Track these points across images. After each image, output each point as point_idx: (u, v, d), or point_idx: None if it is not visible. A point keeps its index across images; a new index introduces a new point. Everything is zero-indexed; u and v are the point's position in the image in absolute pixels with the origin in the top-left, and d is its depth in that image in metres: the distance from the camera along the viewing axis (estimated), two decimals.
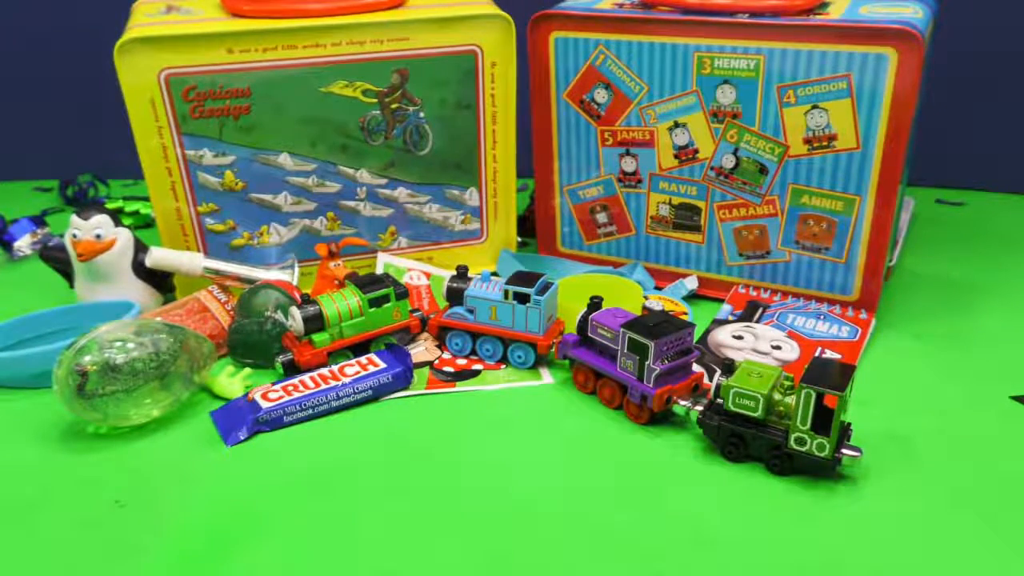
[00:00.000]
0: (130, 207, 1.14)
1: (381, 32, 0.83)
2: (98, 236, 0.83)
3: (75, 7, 1.21)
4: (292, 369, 0.77)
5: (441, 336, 0.82)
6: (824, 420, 0.61)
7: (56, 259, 0.88)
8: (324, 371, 0.75)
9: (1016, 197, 1.17)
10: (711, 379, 0.75)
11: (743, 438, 0.65)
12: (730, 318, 0.85)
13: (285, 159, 0.87)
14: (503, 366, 0.80)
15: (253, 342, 0.79)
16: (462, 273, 0.81)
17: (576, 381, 0.76)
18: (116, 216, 0.85)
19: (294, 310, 0.76)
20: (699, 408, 0.67)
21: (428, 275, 0.93)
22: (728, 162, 0.85)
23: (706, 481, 0.64)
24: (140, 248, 0.86)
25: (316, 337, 0.77)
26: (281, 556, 0.57)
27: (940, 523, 0.59)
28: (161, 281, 0.88)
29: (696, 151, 0.86)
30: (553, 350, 0.78)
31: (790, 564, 0.56)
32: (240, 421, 0.70)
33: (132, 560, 0.57)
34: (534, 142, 0.94)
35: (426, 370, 0.79)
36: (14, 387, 0.77)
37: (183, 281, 0.89)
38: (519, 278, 0.78)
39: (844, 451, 0.62)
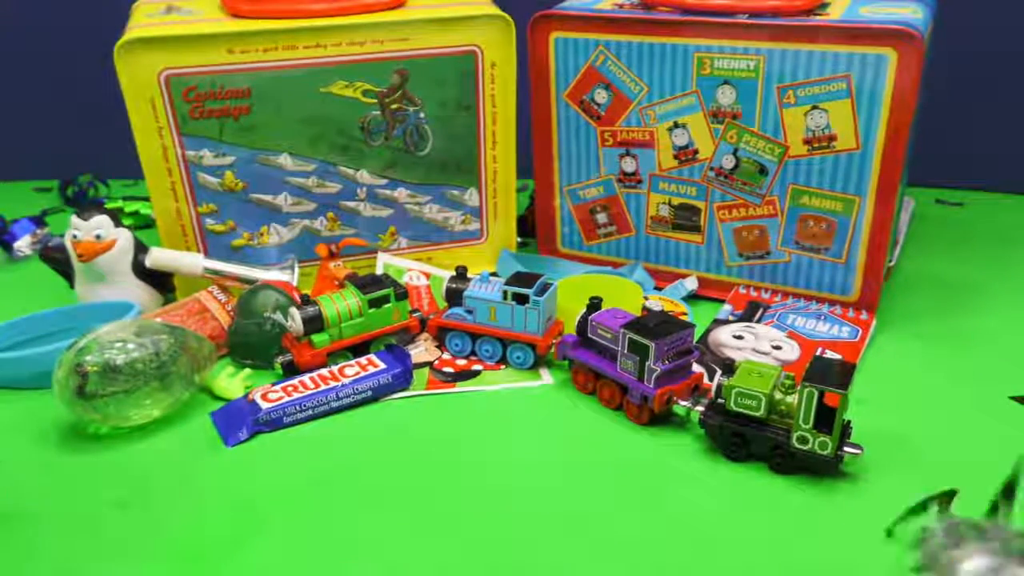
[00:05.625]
0: (130, 207, 1.14)
1: (381, 32, 0.83)
2: (98, 236, 0.83)
3: (75, 7, 1.21)
4: (292, 370, 0.77)
5: (440, 337, 0.82)
6: (825, 418, 0.61)
7: (56, 259, 0.88)
8: (324, 372, 0.75)
9: (1016, 197, 1.17)
10: (711, 379, 0.75)
11: (745, 437, 0.65)
12: (730, 318, 0.85)
13: (285, 159, 0.87)
14: (503, 367, 0.80)
15: (253, 343, 0.79)
16: (461, 274, 0.81)
17: (576, 382, 0.76)
18: (116, 216, 0.85)
19: (294, 311, 0.76)
20: (699, 408, 0.67)
21: (428, 275, 0.93)
22: (728, 162, 0.85)
23: (707, 481, 0.64)
24: (140, 248, 0.86)
25: (316, 338, 0.77)
26: (281, 556, 0.57)
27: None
28: (161, 281, 0.88)
29: (696, 151, 0.86)
30: (552, 351, 0.78)
31: (793, 563, 0.56)
32: (240, 422, 0.71)
33: (132, 560, 0.57)
34: (534, 142, 0.94)
35: (426, 370, 0.79)
36: (14, 387, 0.77)
37: (183, 282, 0.88)
38: (518, 279, 0.78)
39: (846, 449, 0.62)
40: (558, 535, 0.59)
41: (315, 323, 0.76)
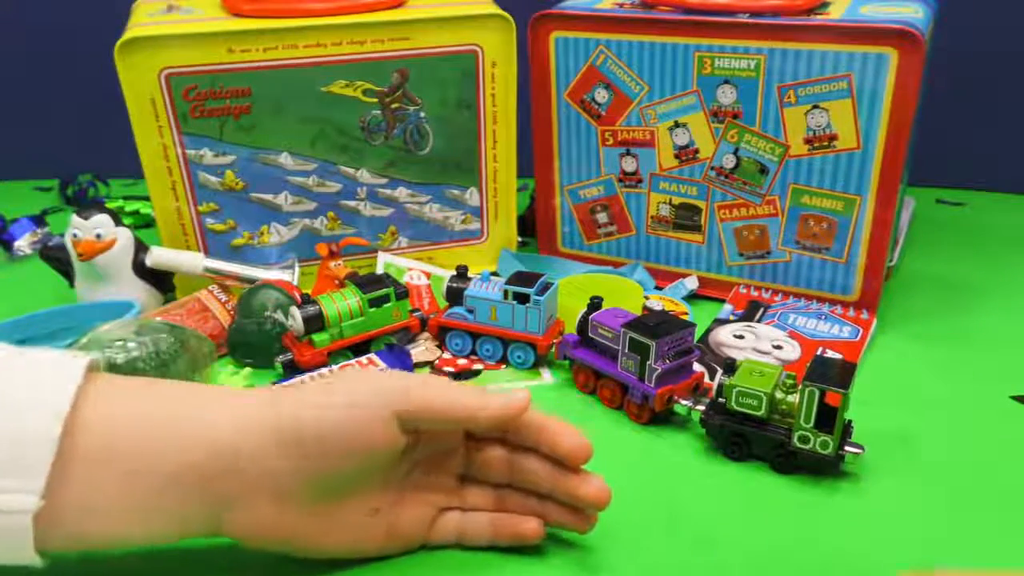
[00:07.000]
0: (130, 207, 1.14)
1: (382, 32, 0.83)
2: (98, 236, 0.83)
3: (75, 7, 1.21)
4: (292, 369, 0.77)
5: (441, 336, 0.82)
6: (826, 418, 0.61)
7: (56, 258, 0.88)
8: (324, 371, 0.75)
9: (1016, 197, 1.17)
10: (712, 378, 0.75)
11: (746, 437, 0.65)
12: (731, 318, 0.85)
13: (285, 159, 0.87)
14: (503, 366, 0.80)
15: (253, 342, 0.79)
16: (462, 273, 0.81)
17: (576, 381, 0.76)
18: (116, 216, 0.85)
19: (294, 310, 0.76)
20: (700, 408, 0.67)
21: (428, 275, 0.93)
22: (728, 162, 0.85)
23: (708, 480, 0.64)
24: (140, 248, 0.86)
25: (316, 337, 0.77)
26: (281, 556, 0.57)
27: (940, 522, 0.59)
28: (161, 281, 0.88)
29: (696, 151, 0.86)
30: (553, 350, 0.78)
31: (793, 563, 0.56)
32: None
33: (132, 561, 0.57)
34: (534, 142, 0.94)
35: (426, 370, 0.79)
36: None
37: (183, 281, 0.88)
38: (519, 278, 0.78)
39: (847, 448, 0.62)
40: (557, 534, 0.58)
41: (315, 322, 0.76)
